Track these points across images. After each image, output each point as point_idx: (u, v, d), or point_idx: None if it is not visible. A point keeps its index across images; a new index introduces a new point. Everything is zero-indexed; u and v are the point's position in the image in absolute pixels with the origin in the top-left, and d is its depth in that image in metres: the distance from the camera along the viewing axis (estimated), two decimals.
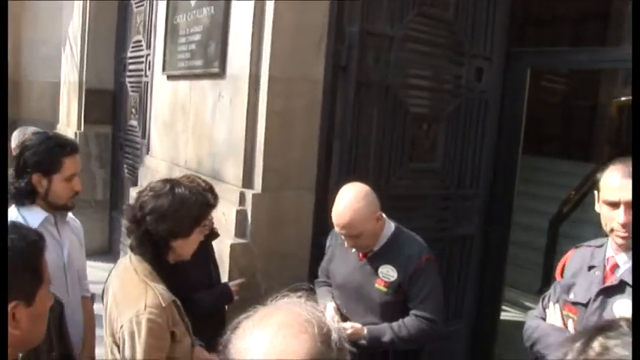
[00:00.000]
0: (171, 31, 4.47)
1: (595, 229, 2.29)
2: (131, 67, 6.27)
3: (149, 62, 5.52)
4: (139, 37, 6.02)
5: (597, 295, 2.03)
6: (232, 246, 3.26)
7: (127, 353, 1.93)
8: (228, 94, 3.60)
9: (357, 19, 3.48)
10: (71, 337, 2.39)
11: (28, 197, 2.41)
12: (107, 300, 2.12)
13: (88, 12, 6.68)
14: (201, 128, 3.94)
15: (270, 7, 3.29)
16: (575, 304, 2.09)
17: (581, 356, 0.79)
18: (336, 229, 2.57)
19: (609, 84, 7.87)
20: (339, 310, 2.72)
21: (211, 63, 3.76)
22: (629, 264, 1.98)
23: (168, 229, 2.04)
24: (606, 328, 0.81)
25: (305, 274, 3.36)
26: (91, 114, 6.77)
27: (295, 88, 3.37)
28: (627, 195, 1.88)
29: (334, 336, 0.96)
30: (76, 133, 6.75)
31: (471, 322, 4.46)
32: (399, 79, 3.73)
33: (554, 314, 2.17)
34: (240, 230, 3.34)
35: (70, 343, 2.11)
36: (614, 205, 1.94)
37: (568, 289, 2.19)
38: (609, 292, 2.01)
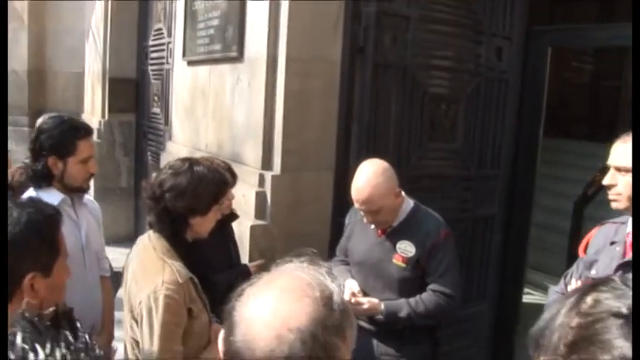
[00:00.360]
0: (190, 17, 4.51)
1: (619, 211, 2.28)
2: (153, 55, 6.33)
3: (170, 50, 5.56)
4: (160, 25, 6.06)
5: (617, 269, 2.03)
6: (252, 227, 3.29)
7: (145, 329, 1.97)
8: (246, 78, 3.62)
9: (373, 0, 3.47)
10: (90, 316, 2.45)
11: (44, 180, 2.47)
12: (127, 277, 2.16)
13: (110, 2, 6.76)
14: (220, 112, 3.98)
15: None
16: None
17: (574, 310, 0.79)
18: (355, 204, 2.59)
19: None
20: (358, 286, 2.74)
21: (229, 47, 3.79)
22: None
23: (186, 206, 2.07)
24: (599, 284, 0.81)
25: (325, 253, 3.38)
26: (114, 103, 6.86)
27: (312, 69, 3.38)
28: (617, 160, 2.05)
29: (336, 299, 0.97)
30: (100, 122, 6.85)
31: (493, 303, 4.45)
32: (417, 59, 3.71)
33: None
34: (260, 212, 3.36)
35: None
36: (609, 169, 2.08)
37: (590, 265, 2.19)
38: (629, 266, 2.00)
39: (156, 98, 6.28)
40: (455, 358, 3.89)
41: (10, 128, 5.99)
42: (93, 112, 7.27)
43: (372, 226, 2.69)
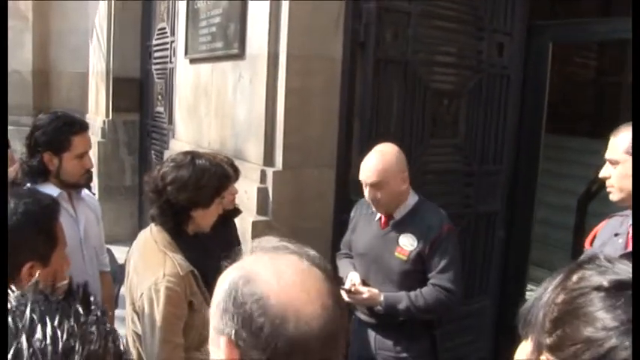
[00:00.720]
0: (192, 15, 4.53)
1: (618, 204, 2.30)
2: (156, 54, 6.35)
3: (174, 49, 5.59)
4: (164, 25, 6.09)
5: None
6: (254, 223, 3.31)
7: (146, 321, 1.99)
8: (248, 75, 3.64)
9: None
10: None
11: (40, 175, 2.48)
12: (128, 270, 2.18)
13: (113, 1, 6.78)
14: (223, 109, 4.00)
15: None
16: None
17: (559, 287, 0.80)
18: (362, 177, 2.62)
19: None
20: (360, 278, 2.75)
21: (231, 44, 3.80)
22: None
23: (188, 198, 2.09)
24: (584, 262, 0.82)
25: (328, 250, 3.39)
26: (118, 102, 6.88)
27: (313, 66, 3.40)
28: (608, 153, 2.12)
29: (318, 256, 0.99)
30: (104, 122, 6.88)
31: (496, 299, 4.45)
32: (419, 55, 3.72)
33: None
34: (262, 208, 3.38)
35: None
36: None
37: None
38: (629, 258, 2.01)
39: (159, 97, 6.30)
40: (457, 354, 3.90)
41: (13, 128, 6.01)
42: (97, 111, 7.30)
43: (376, 219, 2.72)
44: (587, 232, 2.45)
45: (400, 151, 2.66)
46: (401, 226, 2.65)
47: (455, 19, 3.89)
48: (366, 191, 2.62)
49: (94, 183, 6.48)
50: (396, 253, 2.61)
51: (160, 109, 6.26)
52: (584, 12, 7.27)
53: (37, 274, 1.30)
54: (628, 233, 2.12)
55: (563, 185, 6.38)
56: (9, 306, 0.63)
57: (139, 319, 2.04)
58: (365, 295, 2.58)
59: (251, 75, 3.60)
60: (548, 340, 0.78)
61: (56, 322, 0.61)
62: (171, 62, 5.74)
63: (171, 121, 5.62)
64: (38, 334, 0.59)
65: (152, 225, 2.18)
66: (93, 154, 6.66)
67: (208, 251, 2.40)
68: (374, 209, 2.70)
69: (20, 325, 0.60)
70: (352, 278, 2.70)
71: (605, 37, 4.31)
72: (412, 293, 2.57)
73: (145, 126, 6.84)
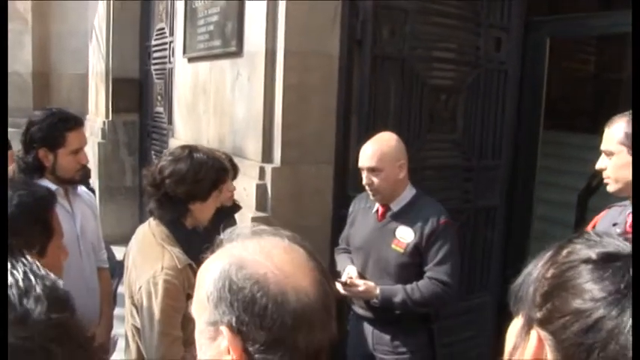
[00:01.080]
0: (190, 14, 4.55)
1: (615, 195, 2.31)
2: (155, 54, 6.37)
3: (172, 49, 5.60)
4: (162, 25, 6.10)
5: None
6: (253, 219, 3.31)
7: (145, 313, 2.00)
8: (246, 72, 3.65)
9: None
10: (87, 304, 2.48)
11: (36, 171, 2.49)
12: (127, 265, 2.19)
13: (112, 2, 6.80)
14: (221, 107, 4.01)
15: None
16: None
17: (549, 262, 0.81)
18: (360, 162, 2.66)
19: None
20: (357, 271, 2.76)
21: (229, 42, 3.82)
22: None
23: (186, 191, 2.11)
24: (574, 237, 0.83)
25: (326, 246, 3.40)
26: (118, 103, 6.91)
27: (311, 63, 3.41)
28: (603, 144, 2.12)
29: (306, 244, 1.02)
30: (104, 122, 6.90)
31: (496, 295, 4.45)
32: (416, 51, 3.73)
33: None
34: (260, 204, 3.39)
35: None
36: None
37: None
38: None
39: (159, 97, 6.32)
40: (457, 349, 3.90)
41: (14, 130, 6.03)
42: (97, 112, 7.32)
43: (373, 211, 2.73)
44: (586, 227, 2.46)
45: (399, 140, 2.70)
46: (398, 219, 2.66)
47: (451, 15, 3.90)
48: (364, 177, 2.64)
49: (95, 184, 6.50)
50: (393, 246, 2.62)
51: (160, 109, 6.27)
52: (584, 5, 7.26)
53: None
54: (626, 222, 2.13)
55: (562, 182, 6.37)
56: None
57: (137, 312, 2.05)
58: (361, 288, 2.59)
59: (249, 72, 3.61)
60: (538, 315, 0.79)
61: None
62: (170, 62, 5.75)
63: (170, 121, 5.63)
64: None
65: (151, 219, 2.19)
66: (93, 155, 6.71)
67: (208, 246, 2.41)
68: (372, 197, 2.71)
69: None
70: (349, 271, 2.71)
71: (603, 31, 4.31)
72: (408, 286, 2.58)
73: (145, 126, 6.85)
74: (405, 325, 2.71)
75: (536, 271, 0.82)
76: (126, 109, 6.94)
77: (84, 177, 2.68)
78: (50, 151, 2.49)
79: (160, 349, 2.00)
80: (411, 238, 2.59)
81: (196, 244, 2.15)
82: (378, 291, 2.59)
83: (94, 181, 6.52)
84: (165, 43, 5.95)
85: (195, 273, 2.03)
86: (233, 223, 3.09)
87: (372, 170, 2.60)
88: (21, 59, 8.27)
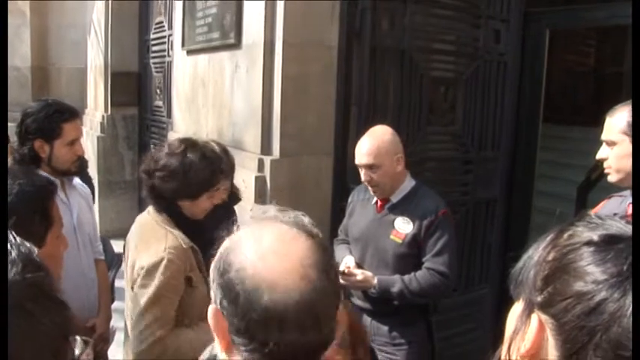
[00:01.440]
0: (189, 7, 4.54)
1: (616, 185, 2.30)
2: (154, 48, 6.36)
3: (171, 42, 5.59)
4: (161, 19, 6.09)
5: None
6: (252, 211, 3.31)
7: (140, 290, 1.97)
8: (244, 64, 3.64)
9: None
10: (85, 296, 2.47)
11: (31, 163, 2.47)
12: (127, 252, 2.18)
13: None
14: (220, 100, 4.00)
15: None
16: None
17: (550, 245, 0.80)
18: (357, 160, 2.64)
19: None
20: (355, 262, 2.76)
21: (227, 34, 3.80)
22: None
23: (172, 188, 2.07)
24: (575, 220, 0.82)
25: (326, 238, 3.39)
26: (117, 96, 6.89)
27: (310, 54, 3.39)
28: (605, 134, 2.11)
29: (314, 228, 0.99)
30: (103, 116, 6.89)
31: (496, 287, 4.45)
32: (415, 42, 3.72)
33: None
34: (260, 196, 3.38)
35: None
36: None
37: None
38: None
39: (158, 91, 6.31)
40: (457, 342, 3.90)
41: (13, 124, 6.01)
42: (96, 106, 7.30)
43: (373, 202, 2.73)
44: None
45: (394, 133, 2.67)
46: (397, 210, 2.65)
47: (451, 7, 3.89)
48: (362, 174, 2.63)
49: (94, 178, 6.49)
50: (392, 236, 2.62)
51: (159, 102, 6.26)
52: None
53: None
54: (626, 212, 2.12)
55: (564, 174, 6.37)
56: None
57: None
58: (359, 277, 2.58)
59: (248, 64, 3.60)
60: (539, 298, 0.78)
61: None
62: (169, 56, 5.75)
63: (170, 114, 5.62)
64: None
65: (150, 207, 2.18)
66: (92, 149, 6.70)
67: (207, 233, 2.37)
68: (371, 193, 2.70)
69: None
70: (347, 261, 2.71)
71: (603, 22, 4.30)
72: (406, 277, 2.57)
73: (144, 120, 6.84)
74: (404, 317, 2.70)
75: (536, 254, 0.82)
76: (125, 103, 6.93)
77: (80, 168, 2.67)
78: (46, 142, 2.48)
79: (139, 323, 1.97)
80: (409, 228, 2.58)
81: (196, 230, 2.14)
82: (375, 281, 2.58)
83: (93, 175, 6.51)
84: (164, 37, 5.94)
85: (196, 255, 2.03)
86: (233, 212, 3.07)
87: (369, 167, 2.59)
88: (20, 53, 8.25)
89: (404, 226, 2.59)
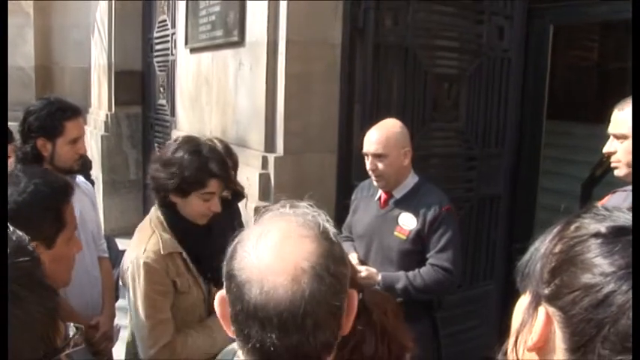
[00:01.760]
0: (192, 5, 4.54)
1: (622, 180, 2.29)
2: (158, 46, 6.36)
3: (174, 41, 5.59)
4: (164, 17, 6.09)
5: None
6: (256, 209, 3.31)
7: (131, 295, 2.01)
8: (248, 62, 3.64)
9: None
10: (89, 294, 2.47)
11: (34, 161, 2.46)
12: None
13: None
14: (224, 98, 4.00)
15: None
16: None
17: (557, 237, 0.80)
18: (364, 148, 2.65)
19: None
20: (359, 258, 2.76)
21: (231, 32, 3.81)
22: None
23: (162, 179, 2.05)
24: (582, 212, 0.82)
25: None
26: (121, 95, 6.89)
27: (313, 52, 3.40)
28: (614, 127, 2.13)
29: (331, 229, 0.98)
30: (107, 115, 6.89)
31: (501, 284, 4.44)
32: (418, 39, 3.72)
33: None
34: (263, 193, 3.39)
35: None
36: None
37: None
38: None
39: (161, 90, 6.31)
40: (462, 338, 3.90)
41: (16, 124, 6.03)
42: (100, 105, 7.31)
43: (376, 198, 2.73)
44: None
45: (404, 127, 2.70)
46: (401, 206, 2.66)
47: (454, 4, 3.88)
48: (368, 162, 2.64)
49: (99, 177, 6.50)
50: (396, 233, 2.62)
51: (163, 101, 6.27)
52: None
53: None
54: (629, 208, 2.12)
55: (568, 171, 6.35)
56: None
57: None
58: (363, 274, 2.58)
59: (251, 62, 3.60)
60: (546, 291, 0.77)
61: None
62: (172, 54, 5.75)
63: (173, 112, 5.63)
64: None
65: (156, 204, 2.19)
66: (96, 148, 6.71)
67: (209, 235, 2.36)
68: (374, 183, 2.70)
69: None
70: (350, 258, 2.70)
71: (607, 18, 4.28)
72: (410, 273, 2.57)
73: (148, 119, 6.85)
74: (408, 313, 2.69)
75: (543, 247, 0.81)
76: (128, 102, 6.93)
77: (83, 167, 2.66)
78: (48, 140, 2.47)
79: (142, 332, 2.00)
80: (413, 225, 2.58)
81: (197, 233, 2.13)
82: (379, 277, 2.57)
83: (97, 174, 6.52)
84: (167, 35, 5.94)
85: (185, 262, 2.03)
86: (237, 211, 3.08)
87: (377, 156, 2.59)
88: (23, 53, 8.26)
89: (408, 223, 2.59)
